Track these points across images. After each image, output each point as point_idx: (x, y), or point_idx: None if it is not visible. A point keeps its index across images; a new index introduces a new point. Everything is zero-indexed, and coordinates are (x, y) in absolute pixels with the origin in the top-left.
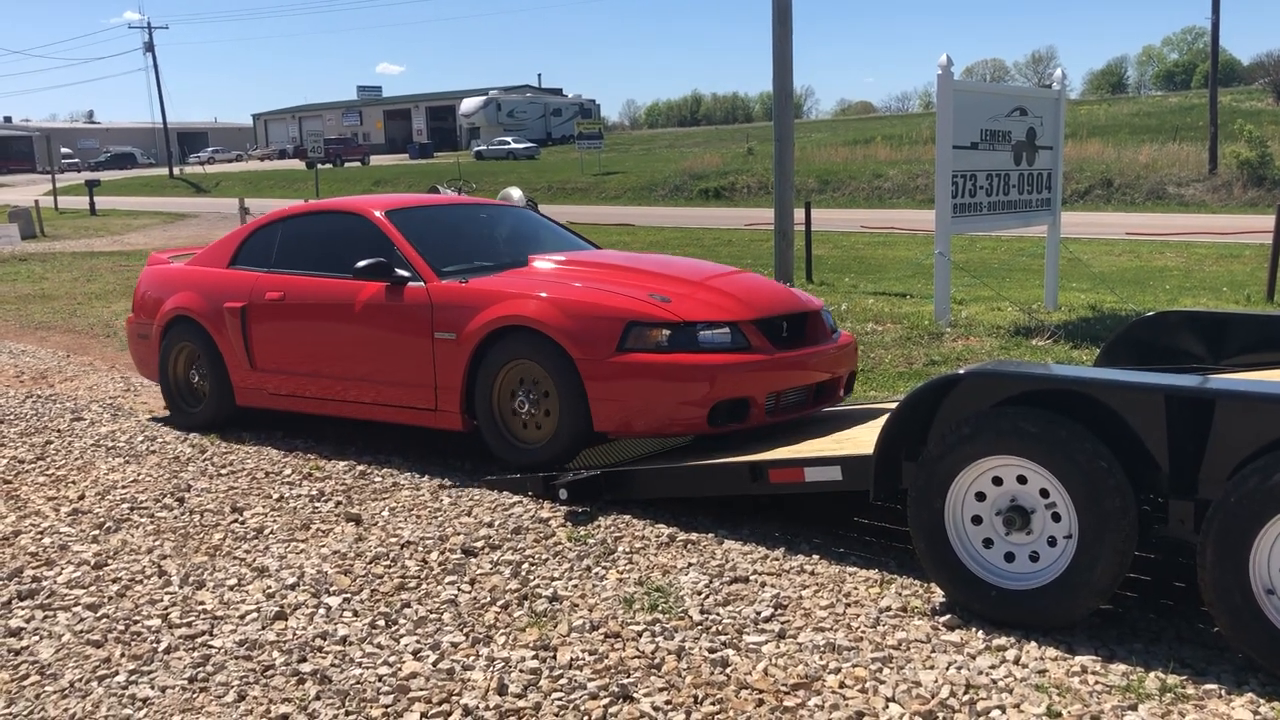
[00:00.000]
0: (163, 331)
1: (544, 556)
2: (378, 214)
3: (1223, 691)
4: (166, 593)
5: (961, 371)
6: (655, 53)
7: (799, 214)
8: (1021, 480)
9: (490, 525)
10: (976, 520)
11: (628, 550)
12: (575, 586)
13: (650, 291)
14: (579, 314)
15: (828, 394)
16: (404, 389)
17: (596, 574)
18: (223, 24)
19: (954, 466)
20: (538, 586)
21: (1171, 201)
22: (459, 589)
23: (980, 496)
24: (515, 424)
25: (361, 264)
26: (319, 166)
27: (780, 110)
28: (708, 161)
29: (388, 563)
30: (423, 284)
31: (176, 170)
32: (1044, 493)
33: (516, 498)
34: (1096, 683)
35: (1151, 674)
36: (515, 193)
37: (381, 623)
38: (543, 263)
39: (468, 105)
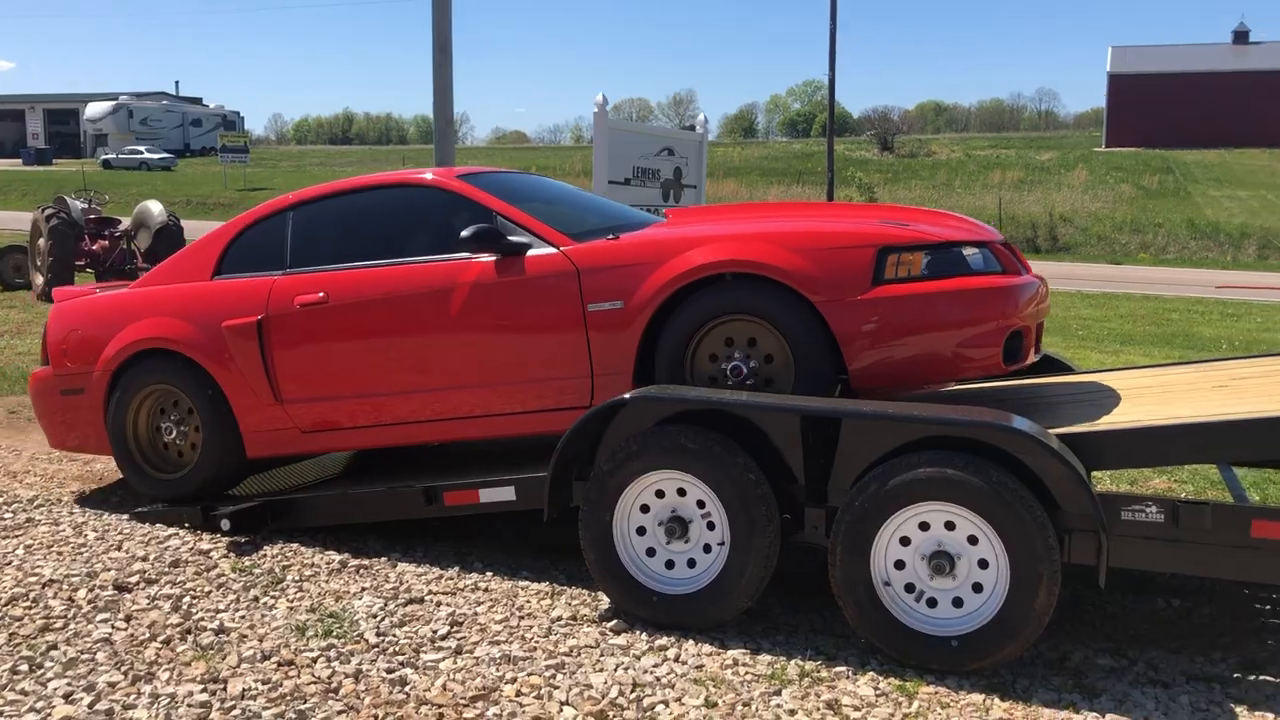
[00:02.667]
0: (113, 377)
1: (207, 589)
2: (452, 180)
3: (850, 672)
4: None
5: (627, 396)
6: (305, 67)
7: None
8: (681, 493)
9: (144, 559)
10: (641, 531)
11: (297, 578)
12: (243, 617)
13: (878, 219)
14: (809, 247)
15: (1038, 340)
16: (541, 386)
17: (265, 604)
18: None
19: (622, 481)
20: (202, 619)
21: None
22: (113, 626)
23: (645, 509)
24: None
25: (467, 232)
26: None
27: (441, 137)
28: None
29: (28, 604)
30: (554, 249)
31: None
32: (700, 504)
33: (172, 530)
34: (746, 673)
35: (792, 662)
36: (155, 207)
37: (25, 667)
38: (689, 216)
39: (94, 110)
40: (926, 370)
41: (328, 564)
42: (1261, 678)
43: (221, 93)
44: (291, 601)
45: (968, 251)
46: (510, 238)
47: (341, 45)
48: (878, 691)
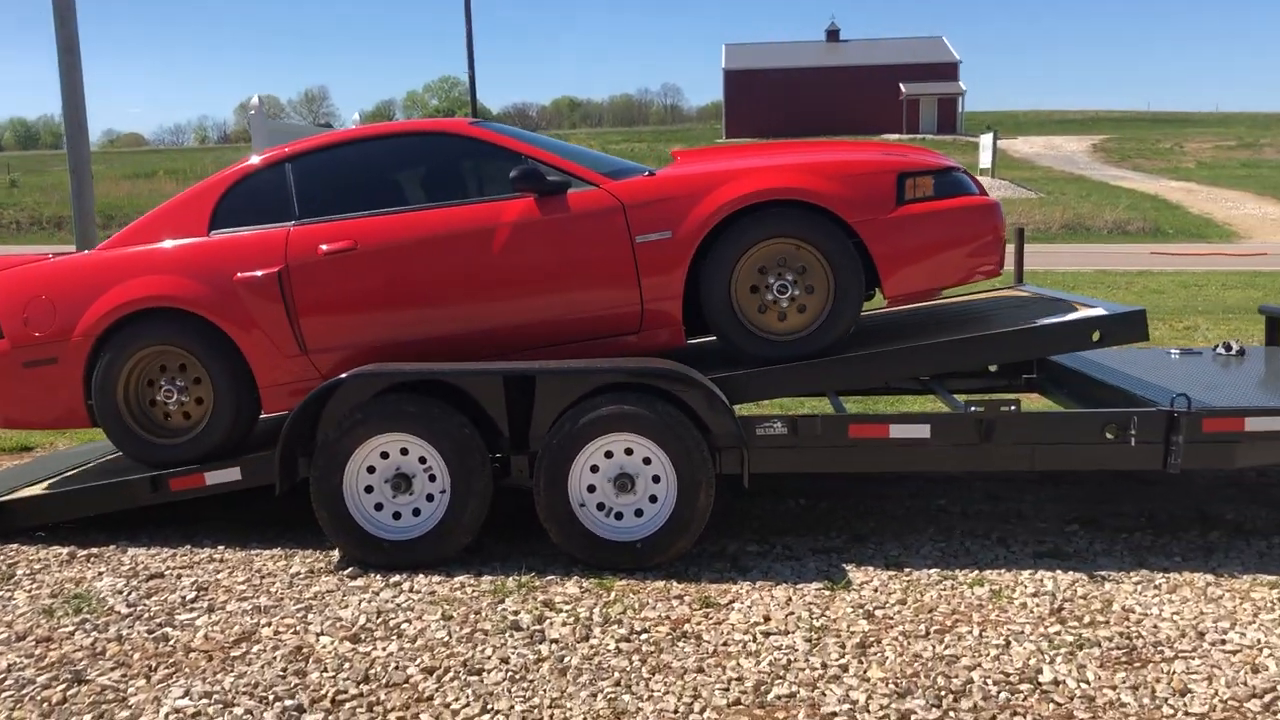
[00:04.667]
0: (100, 340)
1: None
2: (471, 127)
3: (559, 579)
4: None
5: (344, 376)
6: None
7: None
8: (404, 452)
9: None
10: (369, 489)
11: (28, 572)
12: None
13: (881, 150)
14: (842, 174)
15: None
16: (591, 317)
17: (3, 597)
18: None
19: (349, 447)
20: None
21: None
22: None
23: (371, 470)
24: (763, 316)
25: (515, 173)
26: None
27: (73, 141)
28: None
29: None
30: (594, 187)
31: None
32: (422, 460)
33: None
34: (473, 591)
35: (510, 578)
36: None
37: None
38: (702, 156)
39: None
40: (944, 277)
41: (56, 557)
42: (865, 545)
43: None
44: (30, 592)
45: (960, 175)
46: (550, 178)
47: None
48: (582, 589)
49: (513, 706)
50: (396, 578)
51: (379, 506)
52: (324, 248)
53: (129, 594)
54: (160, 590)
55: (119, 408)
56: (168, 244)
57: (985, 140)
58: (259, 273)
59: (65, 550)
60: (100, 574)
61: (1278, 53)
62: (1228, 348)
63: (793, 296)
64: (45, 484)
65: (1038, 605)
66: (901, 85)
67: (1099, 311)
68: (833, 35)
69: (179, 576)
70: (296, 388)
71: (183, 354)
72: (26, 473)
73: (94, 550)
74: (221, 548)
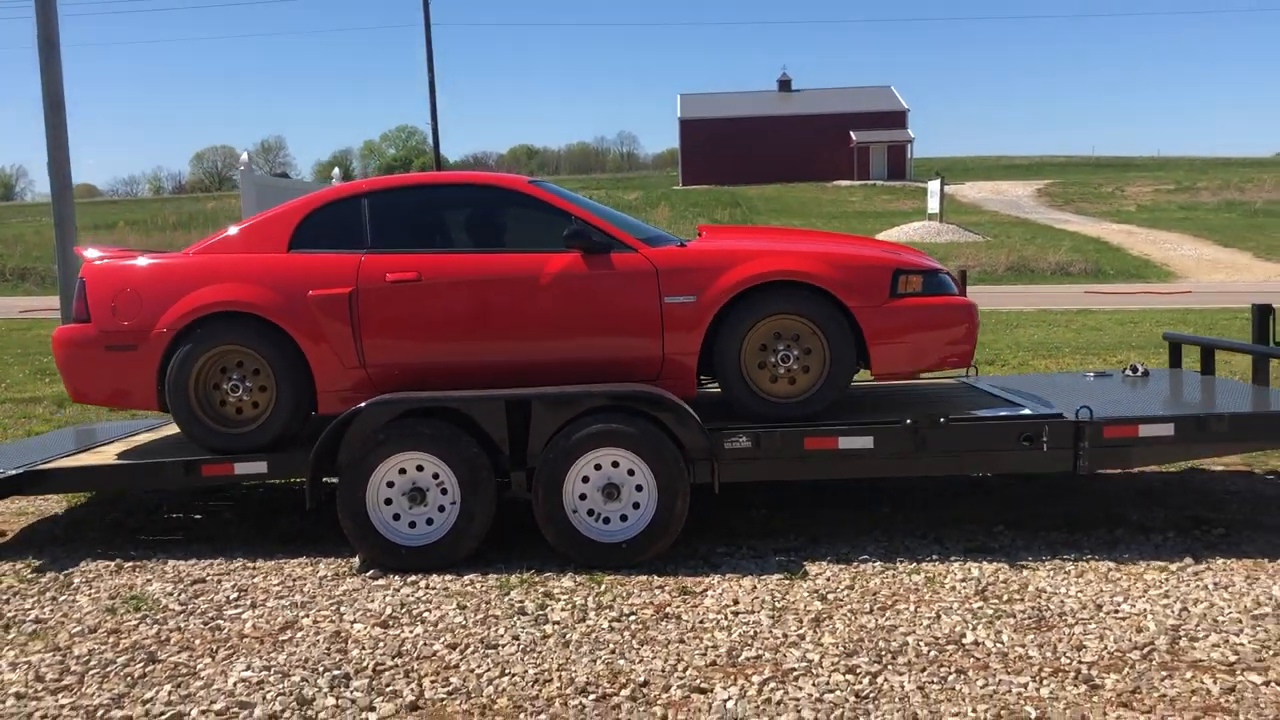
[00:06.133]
0: (180, 335)
1: (5, 598)
2: (530, 185)
3: (555, 575)
4: None
5: (363, 404)
6: None
7: None
8: (419, 469)
9: None
10: (389, 501)
11: (84, 580)
12: (53, 610)
13: (878, 248)
14: (848, 265)
15: None
16: (617, 360)
17: (67, 600)
18: None
19: (372, 464)
20: (16, 616)
21: None
22: None
23: (390, 484)
24: (762, 378)
25: (568, 231)
26: None
27: (58, 197)
28: None
29: None
30: (632, 251)
31: None
32: (435, 475)
33: None
34: (481, 586)
35: (513, 575)
36: None
37: None
38: (724, 233)
39: None
40: (924, 361)
41: (106, 568)
42: (819, 545)
43: None
44: (90, 596)
45: (945, 277)
46: (594, 238)
47: None
48: (577, 583)
49: (526, 670)
50: (413, 578)
51: (397, 516)
52: (390, 276)
53: (178, 595)
54: (205, 592)
55: (189, 396)
56: (250, 256)
57: (933, 186)
58: (332, 291)
59: (112, 564)
60: (149, 580)
61: (1213, 99)
62: (1134, 369)
63: (792, 366)
64: (73, 458)
65: (965, 587)
66: (852, 133)
67: (1024, 412)
68: (784, 85)
69: (219, 581)
70: (350, 395)
71: (252, 354)
72: (52, 444)
73: (138, 563)
74: (252, 559)
